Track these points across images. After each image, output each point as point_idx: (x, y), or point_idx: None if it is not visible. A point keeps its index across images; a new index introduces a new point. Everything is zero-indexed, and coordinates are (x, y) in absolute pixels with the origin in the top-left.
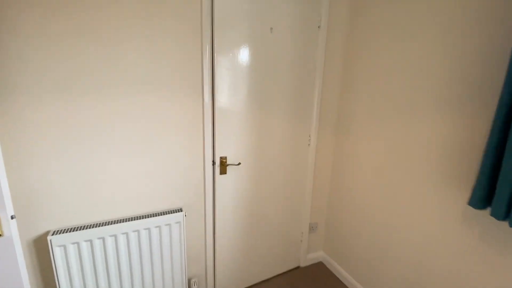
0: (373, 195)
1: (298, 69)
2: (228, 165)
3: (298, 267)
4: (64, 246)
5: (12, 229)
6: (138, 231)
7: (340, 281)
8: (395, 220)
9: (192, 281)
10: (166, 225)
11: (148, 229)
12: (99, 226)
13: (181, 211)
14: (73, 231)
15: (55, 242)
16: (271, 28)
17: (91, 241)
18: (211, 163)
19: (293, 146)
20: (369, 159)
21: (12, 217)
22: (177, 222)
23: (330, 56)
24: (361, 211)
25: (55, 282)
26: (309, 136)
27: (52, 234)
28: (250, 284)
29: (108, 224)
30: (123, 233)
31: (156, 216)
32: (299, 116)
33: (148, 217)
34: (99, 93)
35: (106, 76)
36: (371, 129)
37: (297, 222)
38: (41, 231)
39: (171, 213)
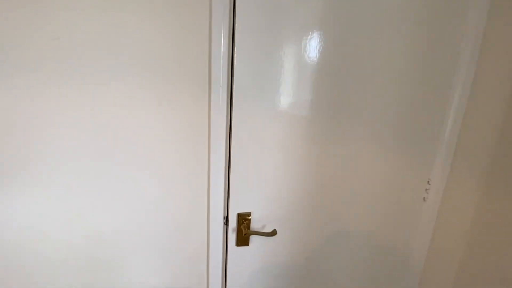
0: None
1: (417, 50)
2: (252, 233)
3: None
4: None
5: None
6: None
7: None
8: None
9: None
10: None
11: None
12: None
13: None
14: None
15: None
16: None
17: None
18: (221, 221)
19: (391, 199)
20: None
21: None
22: None
23: (497, 31)
24: None
25: None
26: (428, 183)
27: None
28: None
29: None
30: None
31: None
32: (408, 143)
33: None
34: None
35: (18, 46)
36: None
37: None
38: None
39: None
